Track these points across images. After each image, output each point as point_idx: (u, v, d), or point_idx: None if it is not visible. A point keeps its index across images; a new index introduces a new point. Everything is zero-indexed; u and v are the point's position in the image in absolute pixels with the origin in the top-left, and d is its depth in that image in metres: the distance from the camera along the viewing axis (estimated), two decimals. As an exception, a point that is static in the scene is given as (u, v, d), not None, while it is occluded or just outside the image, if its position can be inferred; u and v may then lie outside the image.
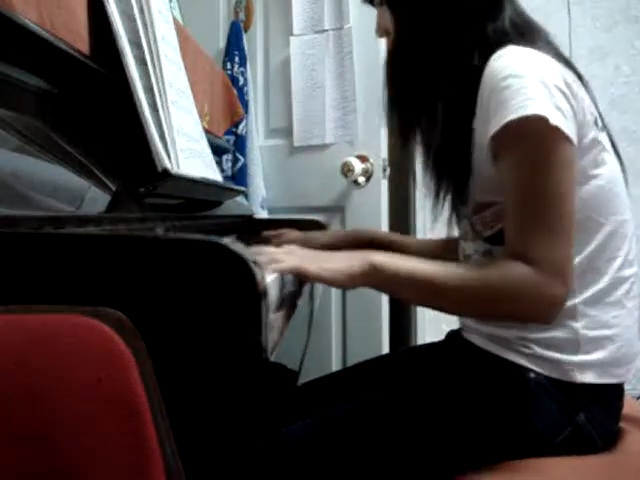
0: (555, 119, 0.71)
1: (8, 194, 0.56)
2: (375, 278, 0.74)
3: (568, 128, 0.73)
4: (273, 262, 0.70)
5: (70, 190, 0.68)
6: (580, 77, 0.82)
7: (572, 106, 0.75)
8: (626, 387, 0.84)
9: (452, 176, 0.86)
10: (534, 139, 0.73)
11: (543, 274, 0.71)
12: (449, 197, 0.89)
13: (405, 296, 0.82)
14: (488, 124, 0.75)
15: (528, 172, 0.74)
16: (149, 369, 0.42)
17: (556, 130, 0.72)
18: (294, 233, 1.21)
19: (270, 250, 0.75)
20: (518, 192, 0.75)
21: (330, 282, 0.74)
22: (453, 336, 0.99)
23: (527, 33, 0.82)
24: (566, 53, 0.86)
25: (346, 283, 0.73)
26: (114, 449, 0.40)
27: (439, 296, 0.75)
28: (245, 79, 1.82)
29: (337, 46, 1.75)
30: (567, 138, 0.73)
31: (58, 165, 0.68)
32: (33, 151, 0.65)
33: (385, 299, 1.72)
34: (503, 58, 0.77)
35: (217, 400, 0.50)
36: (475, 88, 0.79)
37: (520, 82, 0.73)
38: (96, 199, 0.72)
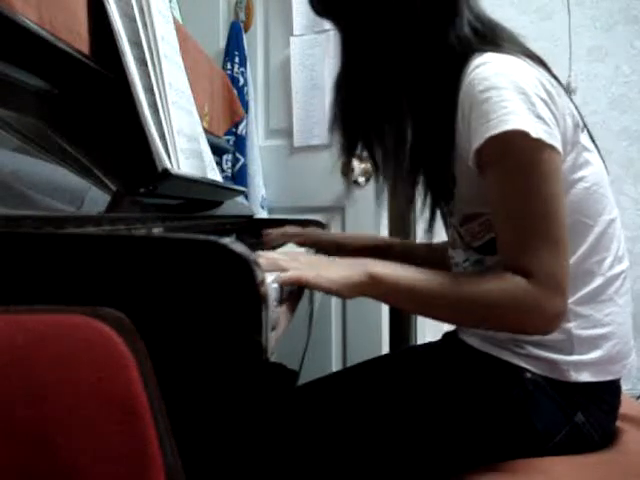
0: (537, 131, 0.71)
1: (8, 194, 0.56)
2: (373, 289, 0.73)
3: (552, 136, 0.72)
4: (277, 270, 0.68)
5: (70, 190, 0.68)
6: (555, 77, 0.81)
7: (554, 114, 0.74)
8: (626, 387, 0.84)
9: (436, 190, 0.85)
10: (518, 155, 0.72)
11: (543, 288, 0.70)
12: (435, 207, 0.88)
13: (404, 307, 0.84)
14: (471, 137, 0.74)
15: (518, 187, 0.73)
16: (149, 369, 0.42)
17: (539, 142, 0.71)
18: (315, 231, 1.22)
19: (274, 257, 0.73)
20: (510, 207, 0.74)
21: (327, 291, 0.72)
22: (449, 337, 0.99)
23: (490, 36, 0.80)
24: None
25: (344, 293, 0.72)
26: (114, 449, 0.40)
27: (439, 308, 0.75)
28: (245, 79, 1.82)
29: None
30: (551, 147, 0.72)
31: (58, 165, 0.68)
32: (33, 151, 0.65)
33: (385, 299, 1.72)
34: (481, 68, 0.75)
35: (217, 400, 0.50)
36: (451, 100, 0.78)
37: (499, 94, 0.72)
38: (96, 199, 0.72)
